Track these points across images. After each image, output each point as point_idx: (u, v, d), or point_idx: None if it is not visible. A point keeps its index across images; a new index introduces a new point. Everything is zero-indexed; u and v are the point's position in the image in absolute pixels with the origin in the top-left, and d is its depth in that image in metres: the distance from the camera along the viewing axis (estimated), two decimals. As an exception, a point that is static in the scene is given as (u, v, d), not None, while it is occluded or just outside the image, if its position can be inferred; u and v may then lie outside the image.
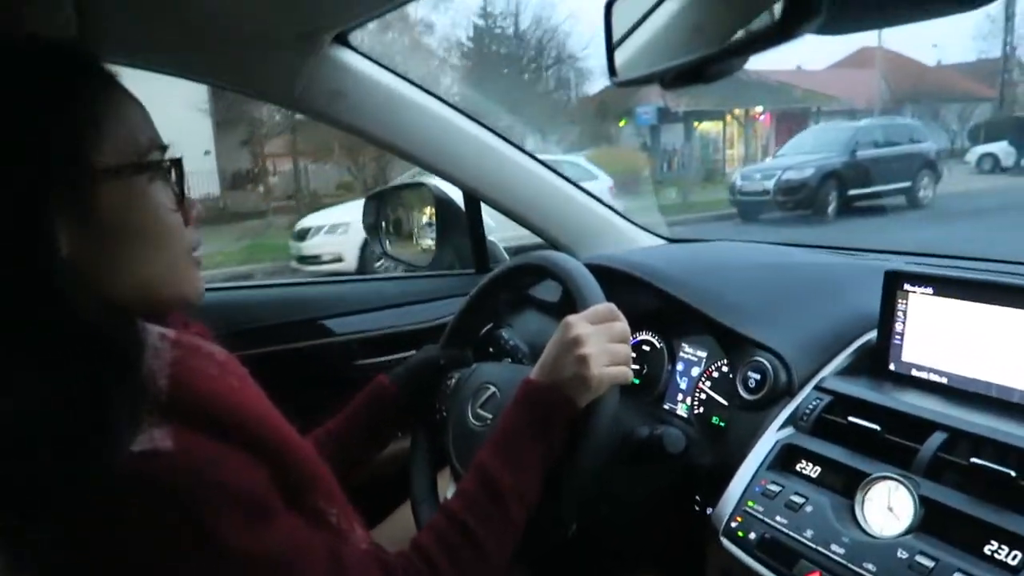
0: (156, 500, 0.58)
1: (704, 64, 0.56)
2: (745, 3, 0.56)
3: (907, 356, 0.92)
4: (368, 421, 1.09)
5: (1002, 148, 16.09)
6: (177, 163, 0.70)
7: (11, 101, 0.61)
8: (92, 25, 1.00)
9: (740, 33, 0.50)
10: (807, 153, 11.47)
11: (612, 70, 0.75)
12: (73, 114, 0.63)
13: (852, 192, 10.79)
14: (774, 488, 0.84)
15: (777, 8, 0.45)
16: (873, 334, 0.97)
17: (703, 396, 1.12)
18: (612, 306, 0.90)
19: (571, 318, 0.88)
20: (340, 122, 1.35)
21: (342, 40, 1.27)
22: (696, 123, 20.85)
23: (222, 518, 0.60)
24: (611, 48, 0.75)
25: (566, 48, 21.83)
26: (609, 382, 0.85)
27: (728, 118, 21.71)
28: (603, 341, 0.85)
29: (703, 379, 1.13)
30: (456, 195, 1.67)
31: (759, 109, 21.66)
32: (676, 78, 0.59)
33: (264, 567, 0.62)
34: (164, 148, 0.70)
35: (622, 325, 0.89)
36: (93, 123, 0.64)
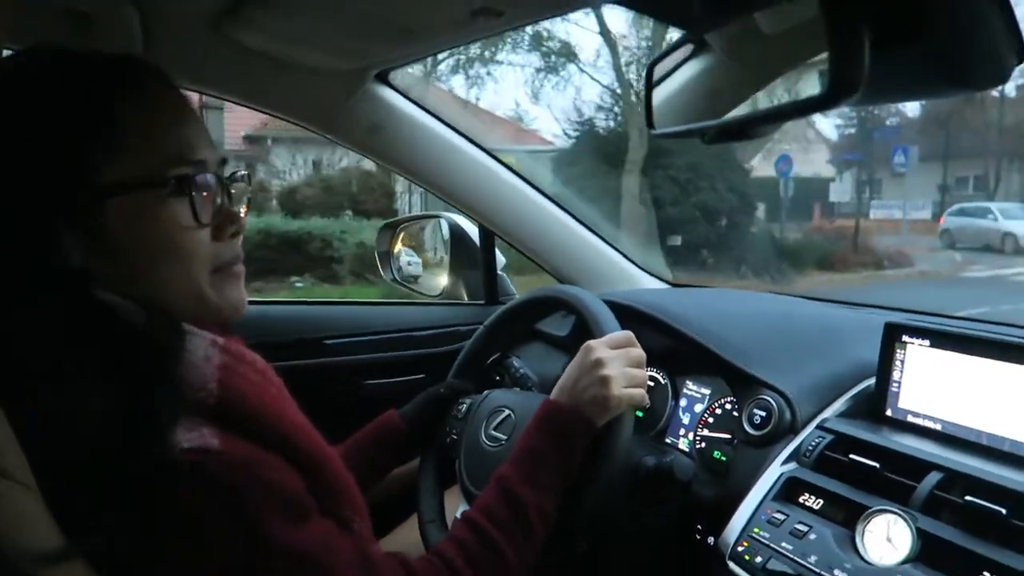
0: (206, 492, 0.61)
1: (747, 124, 0.63)
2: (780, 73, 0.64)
3: (903, 403, 0.98)
4: (373, 453, 1.12)
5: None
6: (189, 180, 0.67)
7: (20, 112, 0.64)
8: (157, 47, 1.07)
9: (788, 100, 0.57)
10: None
11: (650, 122, 0.82)
12: (81, 126, 0.64)
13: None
14: (779, 516, 0.89)
15: (813, 84, 0.53)
16: (871, 381, 1.03)
17: (705, 432, 1.17)
18: (629, 333, 0.96)
19: (592, 342, 0.93)
20: (374, 153, 1.43)
21: (383, 78, 1.35)
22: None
23: (267, 513, 0.63)
24: (650, 102, 0.83)
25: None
26: (627, 403, 0.90)
27: None
28: (622, 364, 0.91)
29: (706, 415, 1.18)
30: (470, 229, 1.73)
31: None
32: (719, 134, 0.66)
33: (302, 563, 0.65)
34: (197, 163, 0.69)
35: (639, 351, 0.94)
36: (103, 136, 0.64)
